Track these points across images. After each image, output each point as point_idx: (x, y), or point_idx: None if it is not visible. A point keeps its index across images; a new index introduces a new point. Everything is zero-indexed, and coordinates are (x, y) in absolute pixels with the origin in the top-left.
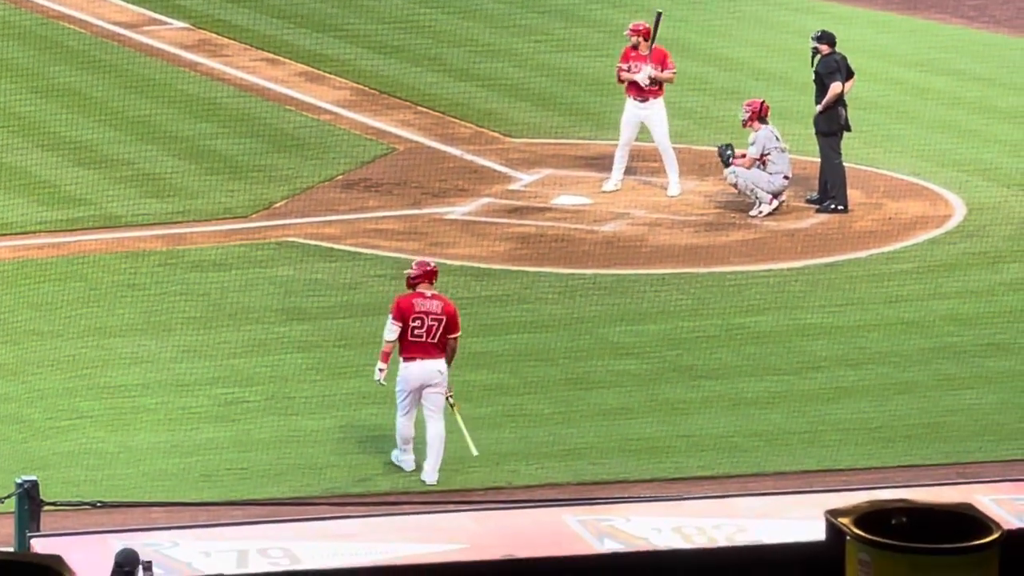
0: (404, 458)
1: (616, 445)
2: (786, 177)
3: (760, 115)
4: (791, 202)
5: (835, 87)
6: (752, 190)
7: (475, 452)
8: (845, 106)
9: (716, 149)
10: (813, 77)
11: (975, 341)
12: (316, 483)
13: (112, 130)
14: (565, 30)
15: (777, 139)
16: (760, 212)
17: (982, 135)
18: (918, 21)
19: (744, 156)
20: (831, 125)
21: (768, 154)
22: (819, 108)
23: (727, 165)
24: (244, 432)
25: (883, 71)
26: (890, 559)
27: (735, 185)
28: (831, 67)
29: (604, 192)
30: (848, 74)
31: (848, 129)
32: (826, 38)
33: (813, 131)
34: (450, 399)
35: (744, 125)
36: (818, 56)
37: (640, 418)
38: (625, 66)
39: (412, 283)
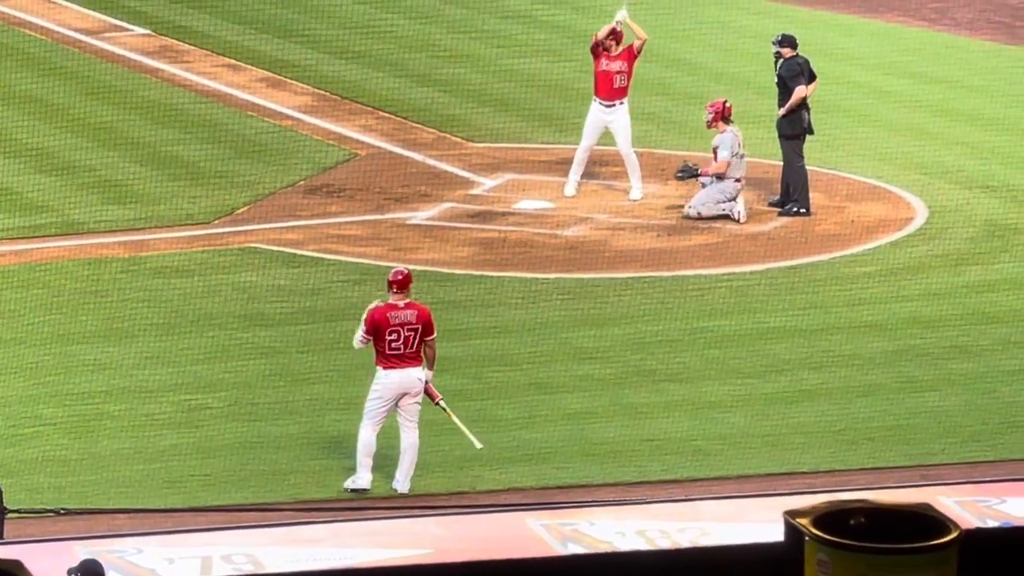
0: (362, 476)
1: (579, 449)
2: (738, 180)
3: (724, 115)
4: (753, 205)
5: (799, 91)
6: (720, 211)
7: (479, 445)
8: (808, 109)
9: (680, 175)
10: (776, 80)
11: (938, 343)
12: (280, 489)
13: (73, 136)
14: (526, 35)
15: (739, 144)
16: (740, 218)
17: (944, 137)
18: (880, 24)
19: (715, 168)
20: (794, 128)
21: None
22: (782, 112)
23: (697, 175)
24: (207, 438)
25: (845, 74)
26: (849, 559)
27: (699, 216)
28: (794, 70)
29: (566, 196)
30: (811, 77)
31: (811, 132)
32: (788, 41)
33: (776, 134)
34: (441, 403)
35: (709, 126)
36: (780, 60)
37: (603, 422)
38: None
39: (390, 287)
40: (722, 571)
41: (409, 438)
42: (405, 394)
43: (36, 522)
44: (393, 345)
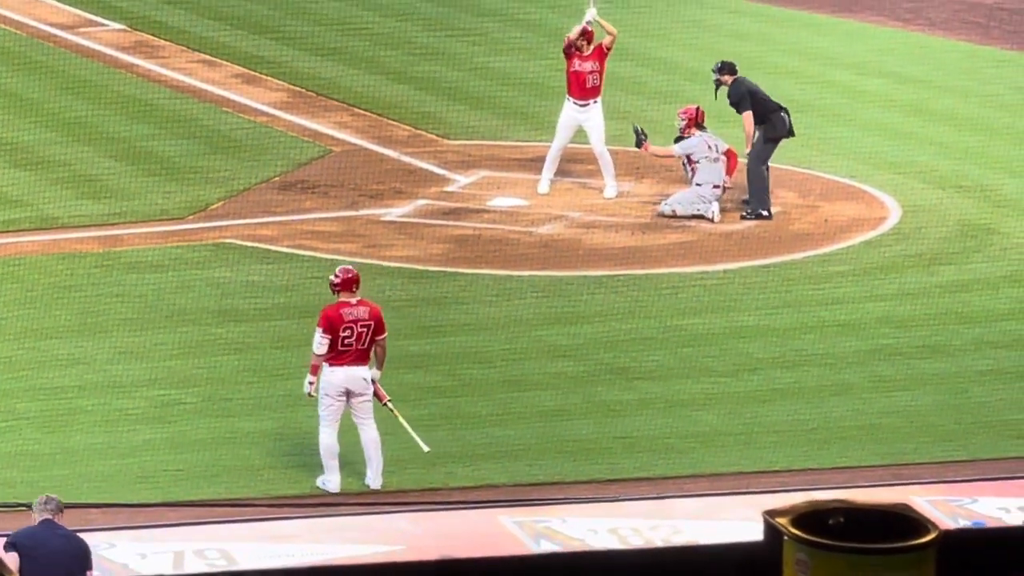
0: (330, 479)
1: (552, 446)
2: (716, 186)
3: (697, 121)
4: (727, 205)
5: (746, 116)
6: (694, 212)
7: (426, 448)
8: (787, 111)
9: (636, 127)
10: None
11: (911, 343)
12: (253, 484)
13: (48, 131)
14: (501, 32)
15: (709, 148)
16: (714, 218)
17: (918, 137)
18: (854, 23)
19: (661, 151)
20: (777, 131)
21: (696, 162)
22: (747, 149)
23: (638, 146)
24: (180, 433)
25: (819, 73)
26: (828, 559)
27: (674, 214)
28: (737, 93)
29: (540, 194)
30: (756, 98)
31: (792, 134)
32: (727, 68)
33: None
34: (388, 404)
35: (682, 132)
36: (721, 87)
37: (576, 419)
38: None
39: (335, 289)
40: (701, 571)
41: (369, 434)
42: (353, 393)
43: (9, 516)
44: (346, 342)
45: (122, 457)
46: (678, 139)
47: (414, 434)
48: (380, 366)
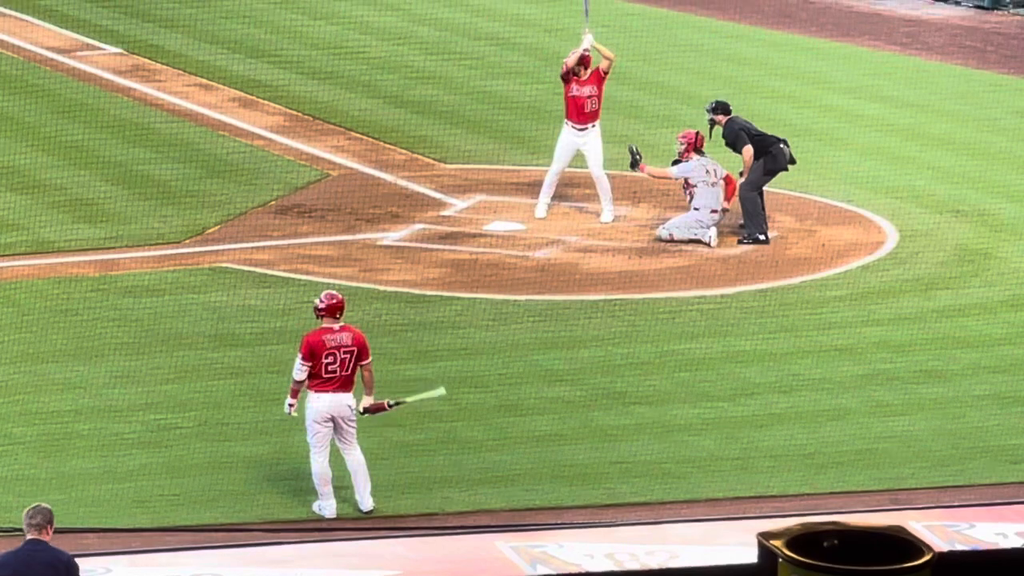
0: (326, 504)
1: (549, 471)
2: (714, 211)
3: (696, 146)
4: (723, 230)
5: (746, 151)
6: (692, 236)
7: (441, 390)
8: (786, 143)
9: (632, 147)
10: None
11: (907, 368)
12: (249, 509)
13: (45, 155)
14: (498, 56)
15: (707, 172)
16: (711, 242)
17: (915, 161)
18: (851, 47)
19: (658, 172)
20: (777, 163)
21: (694, 186)
22: (742, 179)
23: (633, 166)
24: (177, 458)
25: (816, 97)
26: None
27: (671, 239)
28: (733, 132)
29: (537, 218)
30: (752, 131)
31: (793, 162)
32: (720, 108)
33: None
34: (391, 403)
35: (681, 157)
36: (715, 127)
37: (573, 444)
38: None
39: (319, 315)
40: None
41: (354, 458)
42: (337, 419)
43: (4, 540)
44: (329, 368)
45: (118, 482)
46: (675, 162)
47: (425, 394)
48: (369, 391)
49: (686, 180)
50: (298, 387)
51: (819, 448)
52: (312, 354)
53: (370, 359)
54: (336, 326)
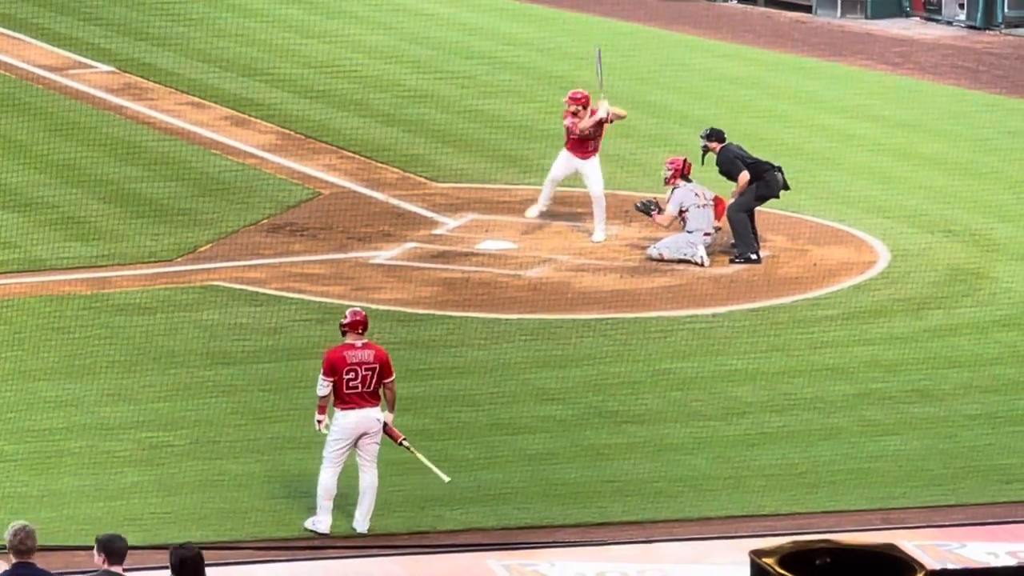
0: (321, 519)
1: (540, 490)
2: (707, 233)
3: (683, 173)
4: (714, 249)
5: (743, 176)
6: (681, 256)
7: (447, 479)
8: (781, 170)
9: (639, 206)
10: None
11: (899, 387)
12: (240, 527)
13: (37, 173)
14: (490, 75)
15: (696, 195)
16: (703, 262)
17: (906, 181)
18: (843, 67)
19: (665, 219)
20: (771, 190)
21: (686, 211)
22: (731, 198)
23: (649, 214)
24: (168, 476)
25: (808, 117)
26: None
27: (661, 258)
28: (728, 161)
29: (528, 219)
30: (746, 159)
31: (787, 188)
32: (715, 136)
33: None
34: (404, 443)
35: (666, 183)
36: (708, 153)
37: (565, 463)
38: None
39: (343, 331)
40: None
41: (368, 478)
42: (364, 434)
43: None
44: (351, 384)
45: (110, 499)
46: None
47: (434, 467)
48: (391, 408)
49: (681, 211)
50: (324, 403)
51: (811, 467)
52: (333, 370)
53: (393, 377)
54: (359, 343)
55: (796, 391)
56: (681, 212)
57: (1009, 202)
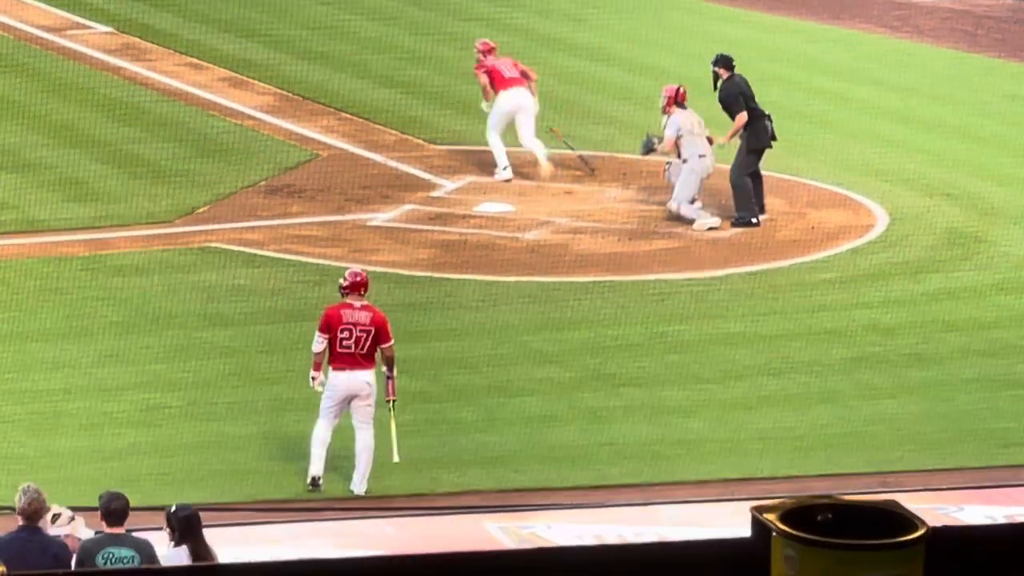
0: (313, 464)
1: (538, 453)
2: (702, 155)
3: (677, 100)
4: (715, 213)
5: (740, 117)
6: (696, 217)
7: (396, 459)
8: (770, 119)
9: (642, 148)
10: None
11: (897, 351)
12: (238, 489)
13: (35, 134)
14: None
15: (691, 122)
16: (717, 225)
17: (905, 145)
18: (842, 31)
19: (667, 146)
20: (760, 141)
21: (681, 137)
22: (723, 140)
23: (653, 149)
24: (166, 437)
25: (807, 80)
26: (816, 555)
27: (679, 212)
28: (731, 95)
29: (501, 180)
30: (748, 99)
31: (775, 139)
32: (722, 62)
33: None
34: (389, 404)
35: (663, 111)
36: (719, 80)
37: (562, 426)
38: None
39: (343, 292)
40: (688, 567)
41: (364, 440)
42: (355, 396)
43: None
44: (344, 344)
45: (107, 461)
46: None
47: (395, 440)
48: (390, 371)
49: (678, 136)
50: (319, 359)
51: (808, 430)
52: (328, 326)
53: (391, 343)
54: (358, 304)
55: (794, 354)
56: (677, 139)
57: (1007, 166)
